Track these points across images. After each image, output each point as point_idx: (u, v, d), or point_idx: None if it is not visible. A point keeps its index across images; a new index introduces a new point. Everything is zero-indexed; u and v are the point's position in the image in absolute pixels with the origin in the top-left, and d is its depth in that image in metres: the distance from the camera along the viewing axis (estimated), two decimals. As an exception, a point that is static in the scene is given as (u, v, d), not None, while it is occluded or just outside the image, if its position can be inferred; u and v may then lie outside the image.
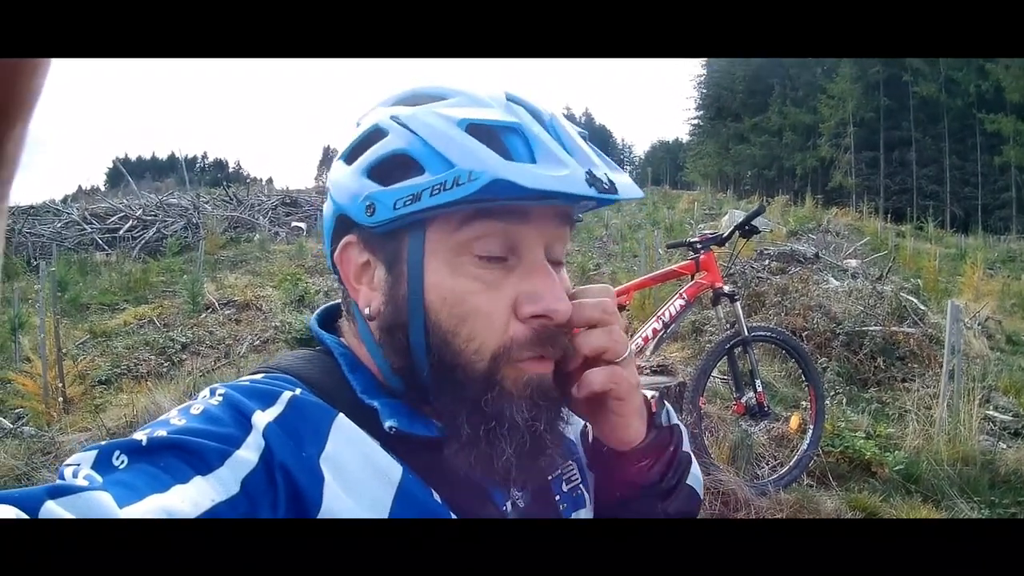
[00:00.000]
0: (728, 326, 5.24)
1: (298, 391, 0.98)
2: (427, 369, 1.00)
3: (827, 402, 6.35)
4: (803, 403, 6.77)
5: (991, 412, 7.33)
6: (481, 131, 0.94)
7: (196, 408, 0.91)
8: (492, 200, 0.92)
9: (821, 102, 59.90)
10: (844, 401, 7.48)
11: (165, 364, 9.43)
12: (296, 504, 0.87)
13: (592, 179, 0.94)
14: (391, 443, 0.98)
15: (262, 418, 0.90)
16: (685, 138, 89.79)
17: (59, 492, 0.68)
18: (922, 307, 10.33)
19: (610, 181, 0.96)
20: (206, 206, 23.17)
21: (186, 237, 20.06)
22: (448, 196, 0.91)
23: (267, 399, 0.94)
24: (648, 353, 5.22)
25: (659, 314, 5.14)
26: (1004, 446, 6.55)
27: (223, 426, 0.88)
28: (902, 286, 11.18)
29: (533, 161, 0.93)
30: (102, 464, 0.78)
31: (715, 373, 6.13)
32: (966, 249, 21.81)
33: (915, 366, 8.67)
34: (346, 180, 1.02)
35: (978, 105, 51.95)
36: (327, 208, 1.09)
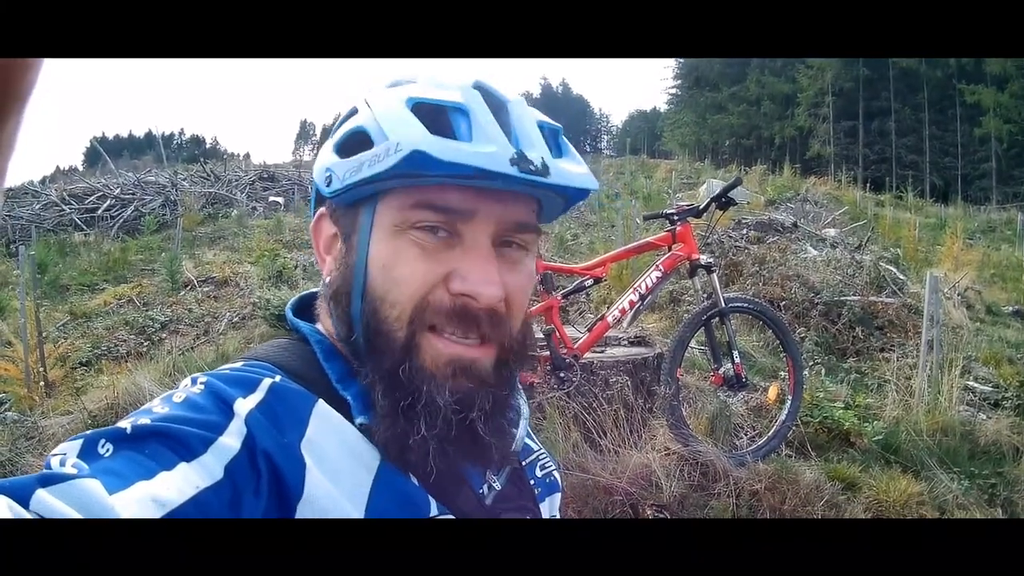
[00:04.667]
0: (705, 297, 5.25)
1: (278, 378, 0.99)
2: (360, 336, 1.03)
3: (805, 372, 6.37)
4: (781, 373, 6.80)
5: (971, 383, 7.36)
6: (427, 110, 0.97)
7: (178, 396, 0.93)
8: (416, 175, 0.95)
9: (799, 72, 59.86)
10: (823, 371, 7.50)
11: (145, 344, 9.39)
12: (278, 490, 0.88)
13: (519, 158, 0.95)
14: (369, 429, 1.00)
15: (243, 405, 0.92)
16: (663, 107, 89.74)
17: (49, 480, 0.70)
18: (901, 277, 10.34)
19: (543, 164, 0.97)
20: (184, 183, 23.06)
21: (164, 215, 19.96)
22: (380, 166, 0.95)
23: (248, 386, 0.96)
24: (625, 324, 5.23)
25: (636, 286, 5.15)
26: (984, 417, 6.58)
27: (205, 413, 0.89)
28: (881, 256, 11.19)
29: (470, 141, 0.95)
30: (88, 453, 0.80)
31: (693, 344, 6.14)
32: (946, 219, 21.89)
33: (894, 336, 8.70)
34: (320, 156, 1.07)
35: (958, 76, 52.30)
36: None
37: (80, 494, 0.70)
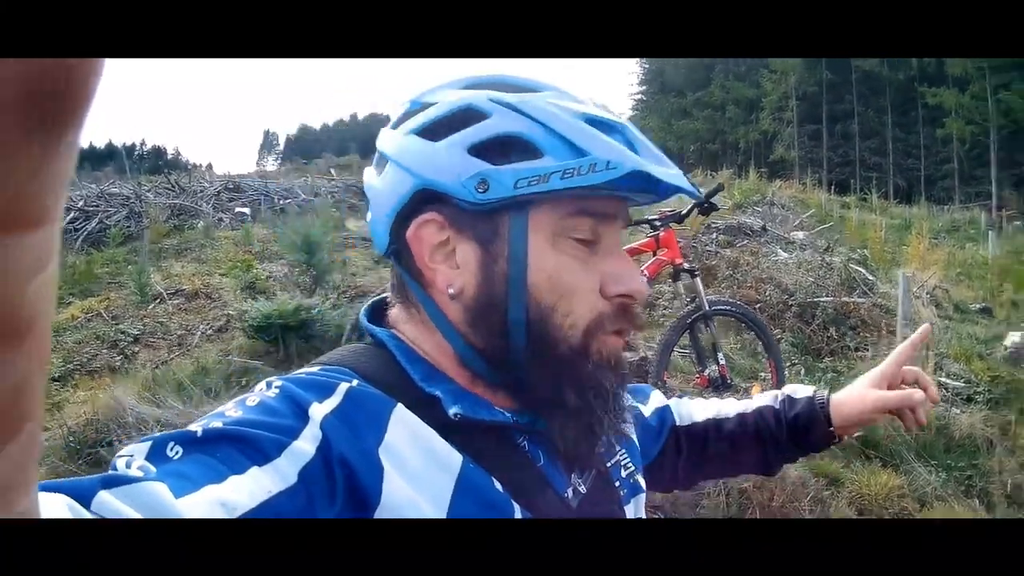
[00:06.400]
0: (688, 301, 5.29)
1: (355, 382, 0.97)
2: (524, 347, 1.02)
3: (786, 373, 6.43)
4: (762, 374, 6.86)
5: (943, 379, 7.46)
6: (597, 126, 0.99)
7: (252, 400, 0.91)
8: (620, 189, 0.99)
9: (763, 76, 60.53)
10: (802, 371, 7.59)
11: (118, 357, 9.26)
12: (355, 496, 0.87)
13: (690, 180, 1.04)
14: (450, 432, 0.99)
15: (319, 410, 0.90)
16: (628, 113, 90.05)
17: (113, 482, 0.68)
18: (870, 277, 10.46)
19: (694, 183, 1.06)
20: (148, 194, 22.76)
21: (129, 227, 19.71)
22: (582, 181, 0.95)
23: (324, 391, 0.94)
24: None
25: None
26: (957, 411, 6.70)
27: (280, 417, 0.88)
28: (849, 257, 11.30)
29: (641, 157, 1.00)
30: (156, 455, 0.78)
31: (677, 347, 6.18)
32: (911, 220, 22.08)
33: (867, 335, 8.81)
34: (438, 155, 1.01)
35: (920, 79, 53.11)
36: (390, 184, 1.06)
37: (145, 497, 0.68)
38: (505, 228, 1.01)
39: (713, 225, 13.10)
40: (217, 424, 0.84)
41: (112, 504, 0.65)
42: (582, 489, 1.12)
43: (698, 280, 5.22)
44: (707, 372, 5.26)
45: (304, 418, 0.88)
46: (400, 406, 0.97)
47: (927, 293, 10.89)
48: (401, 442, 0.94)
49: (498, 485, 0.99)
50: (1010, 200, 39.47)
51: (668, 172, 1.00)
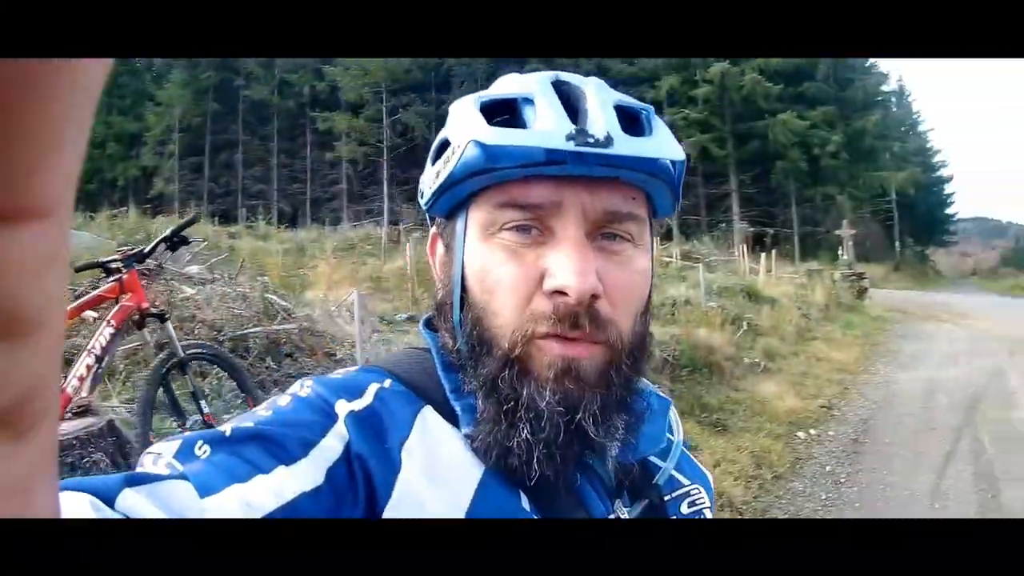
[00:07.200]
0: (157, 349, 4.88)
1: (387, 383, 0.97)
2: (466, 348, 0.97)
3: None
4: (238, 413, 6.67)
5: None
6: (498, 107, 0.95)
7: (283, 400, 0.91)
8: (482, 170, 0.91)
9: (148, 109, 59.67)
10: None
11: None
12: (370, 494, 0.85)
13: (577, 133, 0.89)
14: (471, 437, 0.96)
15: (346, 408, 0.90)
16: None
17: (138, 480, 0.68)
18: (282, 302, 10.58)
19: (606, 137, 0.89)
20: None
21: None
22: (448, 168, 0.94)
23: (354, 391, 0.93)
24: (85, 392, 4.50)
25: (89, 347, 4.52)
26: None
27: (308, 417, 0.87)
28: (264, 284, 11.36)
29: (533, 127, 0.92)
30: (184, 454, 0.78)
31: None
32: (303, 243, 22.89)
33: (305, 360, 8.92)
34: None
35: (312, 105, 56.32)
36: None
37: (168, 495, 0.69)
38: (456, 229, 1.00)
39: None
40: (247, 424, 0.84)
41: (136, 503, 0.65)
42: (624, 517, 1.04)
43: (169, 325, 4.81)
44: (189, 423, 4.84)
45: (332, 417, 0.88)
46: (428, 408, 0.96)
47: (346, 310, 11.29)
48: (424, 444, 0.92)
49: (525, 504, 0.94)
50: (404, 213, 42.93)
51: (512, 133, 0.90)
